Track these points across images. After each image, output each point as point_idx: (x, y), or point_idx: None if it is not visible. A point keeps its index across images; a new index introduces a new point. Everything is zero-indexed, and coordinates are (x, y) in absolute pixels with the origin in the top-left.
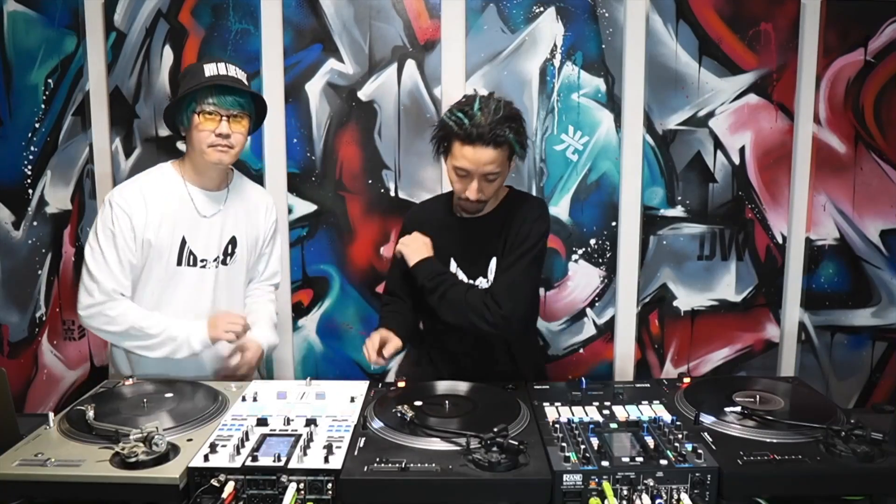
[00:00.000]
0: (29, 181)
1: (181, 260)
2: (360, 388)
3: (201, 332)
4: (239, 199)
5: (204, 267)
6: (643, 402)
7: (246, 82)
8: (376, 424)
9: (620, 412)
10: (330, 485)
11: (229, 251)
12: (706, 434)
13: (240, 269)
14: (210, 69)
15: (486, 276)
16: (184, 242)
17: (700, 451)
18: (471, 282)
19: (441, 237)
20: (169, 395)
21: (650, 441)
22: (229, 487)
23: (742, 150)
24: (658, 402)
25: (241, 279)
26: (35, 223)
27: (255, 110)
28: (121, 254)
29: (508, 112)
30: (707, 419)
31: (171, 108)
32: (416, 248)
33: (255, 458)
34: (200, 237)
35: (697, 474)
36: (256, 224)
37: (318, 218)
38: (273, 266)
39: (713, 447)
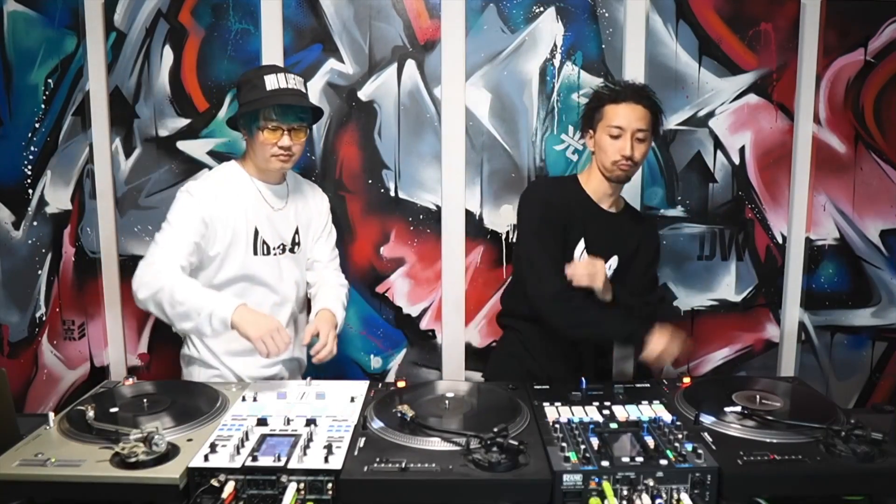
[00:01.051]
0: (29, 181)
1: (256, 250)
2: (360, 388)
3: (225, 310)
4: (297, 191)
5: (275, 255)
6: (643, 402)
7: (304, 89)
8: (376, 424)
9: (620, 412)
10: (330, 485)
11: (296, 241)
12: (706, 434)
13: (302, 256)
14: (271, 82)
15: (606, 264)
16: (257, 233)
17: (700, 451)
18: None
19: (577, 216)
20: (169, 395)
21: (650, 441)
22: (229, 487)
23: (742, 150)
24: (658, 402)
25: (302, 266)
26: (35, 223)
27: (313, 113)
28: (189, 234)
29: (647, 86)
30: (707, 419)
31: (232, 119)
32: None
33: (255, 458)
34: (270, 228)
35: (697, 474)
36: (313, 210)
37: None
38: (330, 243)
39: (713, 447)
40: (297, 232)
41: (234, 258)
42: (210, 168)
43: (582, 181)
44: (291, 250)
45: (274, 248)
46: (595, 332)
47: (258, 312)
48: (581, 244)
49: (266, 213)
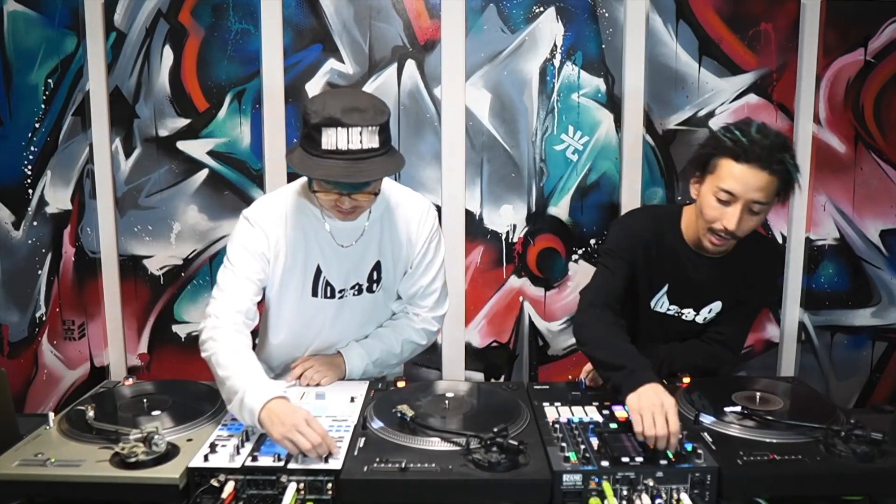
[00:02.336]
0: (29, 181)
1: (316, 291)
2: (360, 388)
3: (256, 400)
4: (385, 218)
5: (342, 297)
6: None
7: (376, 140)
8: (376, 424)
9: (620, 412)
10: (330, 485)
11: (374, 278)
12: (706, 434)
13: (390, 293)
14: (328, 139)
15: (697, 312)
16: (319, 272)
17: (700, 451)
18: (674, 310)
19: (663, 260)
20: (169, 395)
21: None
22: (229, 487)
23: None
24: None
25: (382, 306)
26: (35, 223)
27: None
28: (250, 271)
29: (786, 141)
30: (707, 419)
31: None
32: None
33: (255, 458)
34: (338, 267)
35: (697, 474)
36: (403, 242)
37: None
38: (423, 281)
39: (713, 447)
40: (377, 268)
41: (290, 294)
42: (209, 168)
43: (684, 220)
44: (370, 290)
45: (340, 291)
46: (589, 354)
47: (289, 406)
48: (662, 292)
49: (331, 251)
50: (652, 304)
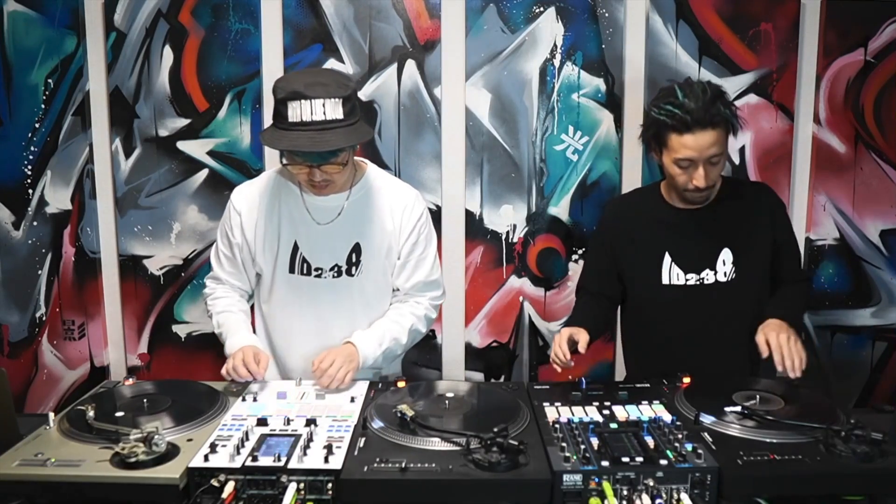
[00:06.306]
0: (29, 181)
1: (293, 267)
2: (360, 388)
3: (233, 347)
4: (366, 200)
5: (319, 277)
6: (643, 402)
7: (340, 111)
8: (376, 424)
9: (620, 412)
10: (330, 485)
11: (353, 260)
12: (706, 434)
13: (374, 280)
14: (293, 111)
15: (713, 268)
16: (296, 248)
17: (700, 451)
18: (693, 278)
19: (654, 231)
20: (169, 395)
21: (650, 441)
22: (229, 487)
23: (742, 150)
24: (658, 402)
25: (379, 292)
26: (35, 223)
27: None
28: (229, 249)
29: (715, 90)
30: (707, 419)
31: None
32: None
33: (255, 458)
34: (314, 245)
35: (697, 474)
36: (386, 228)
37: None
38: (419, 276)
39: (713, 447)
40: (356, 250)
41: (272, 272)
42: (209, 168)
43: (663, 190)
44: (349, 272)
45: (318, 270)
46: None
47: (249, 347)
48: (666, 259)
49: (307, 227)
50: (664, 279)
